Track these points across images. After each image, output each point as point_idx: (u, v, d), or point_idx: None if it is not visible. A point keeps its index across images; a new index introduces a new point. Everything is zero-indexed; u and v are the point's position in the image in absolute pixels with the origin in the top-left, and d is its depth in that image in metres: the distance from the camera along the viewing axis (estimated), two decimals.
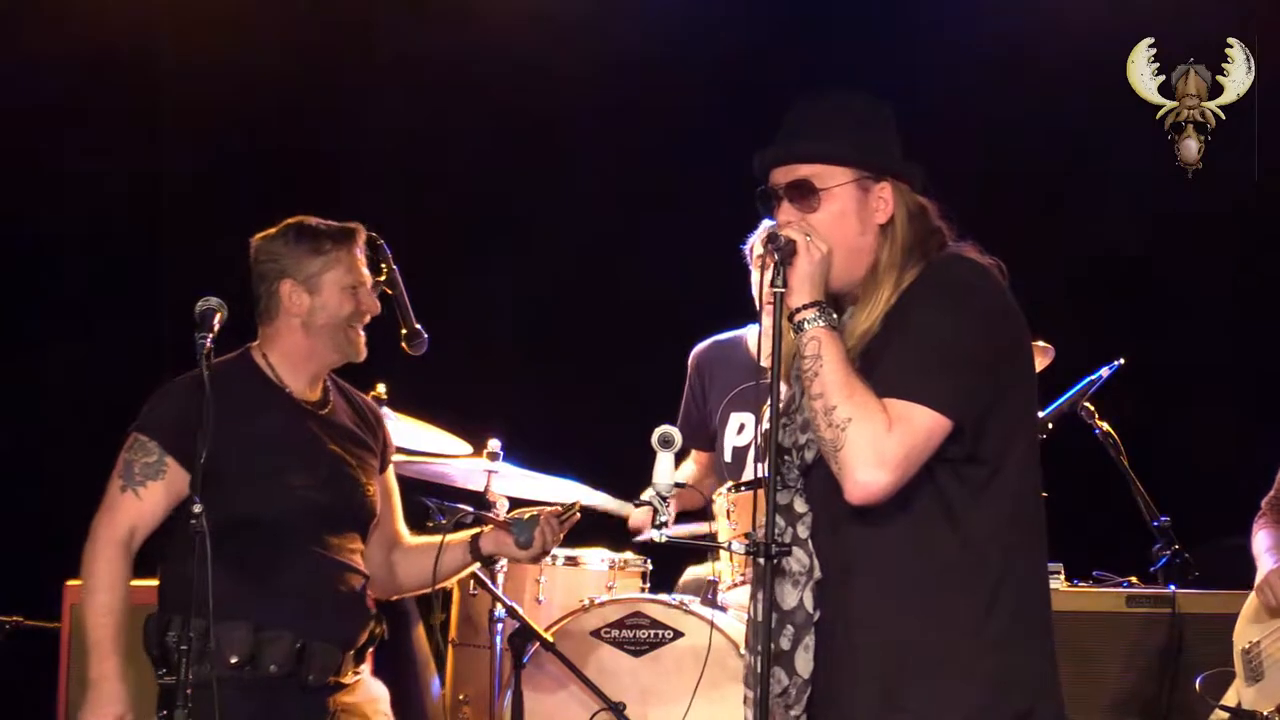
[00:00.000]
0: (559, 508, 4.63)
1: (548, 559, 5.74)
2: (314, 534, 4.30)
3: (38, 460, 6.74)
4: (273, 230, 4.48)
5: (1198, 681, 5.24)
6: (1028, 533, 3.39)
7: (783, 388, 3.35)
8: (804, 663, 3.32)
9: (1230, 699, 5.18)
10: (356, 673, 4.40)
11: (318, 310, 4.42)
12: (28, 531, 6.61)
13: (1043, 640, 3.40)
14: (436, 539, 4.61)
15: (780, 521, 3.31)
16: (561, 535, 4.60)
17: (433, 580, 4.62)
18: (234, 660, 4.15)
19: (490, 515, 4.77)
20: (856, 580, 3.32)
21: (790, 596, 3.31)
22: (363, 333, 4.48)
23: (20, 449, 6.75)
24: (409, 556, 4.62)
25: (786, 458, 3.38)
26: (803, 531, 3.34)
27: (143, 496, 4.24)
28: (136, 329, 6.86)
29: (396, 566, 4.62)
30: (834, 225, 3.37)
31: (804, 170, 3.40)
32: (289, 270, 4.41)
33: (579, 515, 4.66)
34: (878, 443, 3.21)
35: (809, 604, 3.32)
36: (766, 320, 3.38)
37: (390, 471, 4.67)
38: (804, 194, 3.39)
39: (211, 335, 4.04)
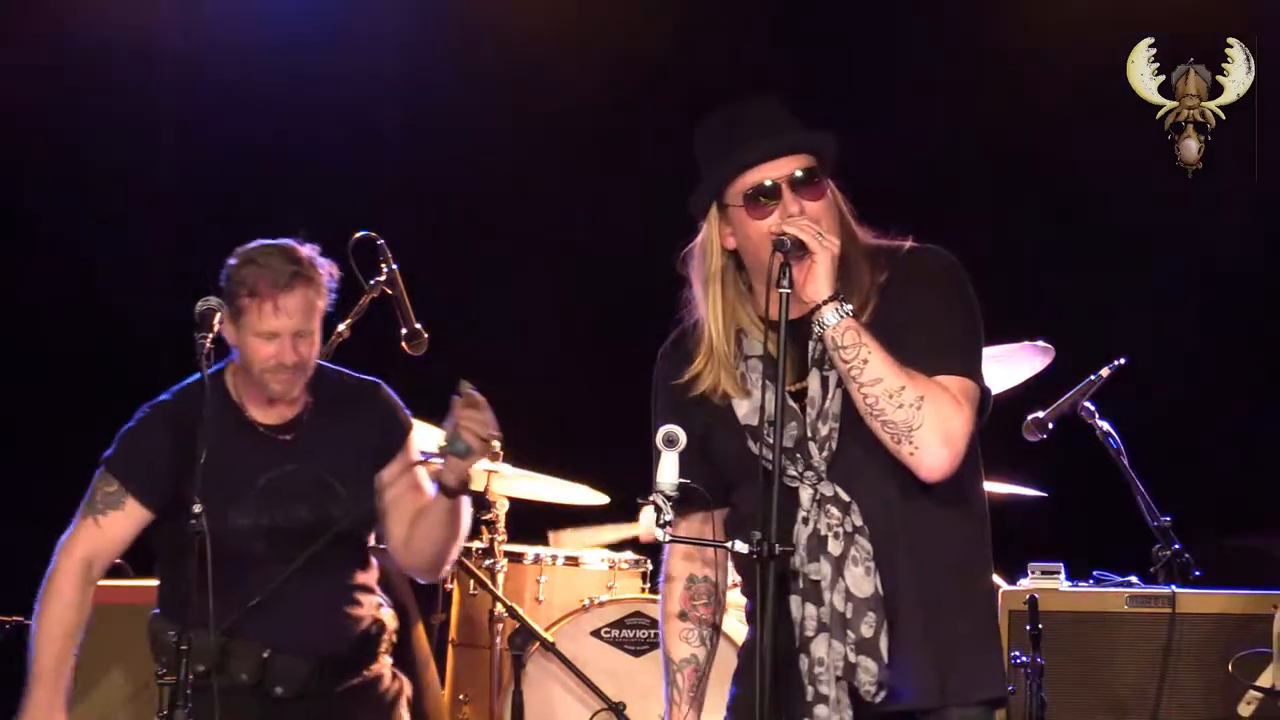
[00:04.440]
0: (459, 400, 4.18)
1: (547, 558, 5.75)
2: (277, 554, 4.25)
3: (38, 461, 6.73)
4: (246, 247, 4.32)
5: (1230, 663, 5.24)
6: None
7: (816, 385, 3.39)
8: (885, 647, 3.35)
9: (1265, 682, 5.18)
10: (355, 678, 4.37)
11: (239, 347, 4.29)
12: (27, 532, 6.60)
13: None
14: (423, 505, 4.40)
15: (835, 513, 3.35)
16: (483, 413, 4.16)
17: (441, 539, 4.32)
18: (201, 668, 4.12)
19: (428, 457, 4.41)
20: (912, 556, 3.38)
21: (865, 585, 3.34)
22: (293, 377, 4.26)
23: (21, 449, 6.75)
24: (415, 530, 4.38)
25: (799, 454, 3.38)
26: (858, 519, 3.37)
27: (103, 525, 4.29)
28: (136, 329, 6.85)
29: (412, 543, 4.39)
30: (830, 214, 3.41)
31: (808, 160, 3.41)
32: (226, 297, 4.23)
33: (470, 389, 4.20)
34: (951, 416, 3.31)
35: (881, 588, 3.35)
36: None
37: (405, 455, 4.45)
38: (815, 181, 3.41)
39: (211, 335, 4.04)
